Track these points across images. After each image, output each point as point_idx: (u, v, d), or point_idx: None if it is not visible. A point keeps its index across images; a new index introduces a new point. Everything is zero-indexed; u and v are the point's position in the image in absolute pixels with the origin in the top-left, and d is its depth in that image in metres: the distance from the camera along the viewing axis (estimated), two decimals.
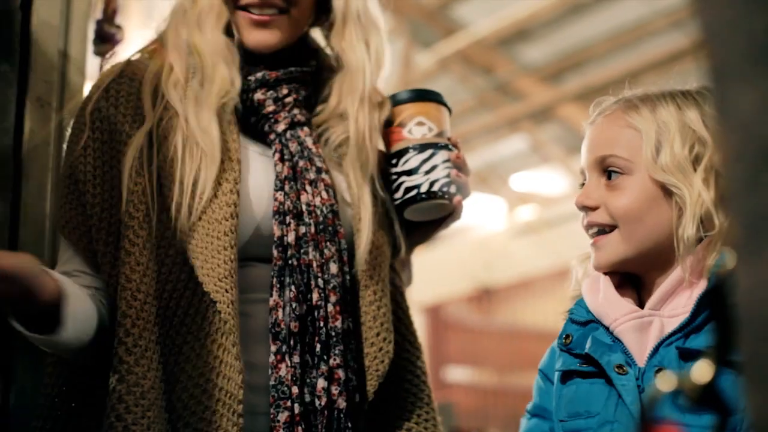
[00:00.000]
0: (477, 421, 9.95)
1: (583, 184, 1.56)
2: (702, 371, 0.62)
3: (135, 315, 1.45)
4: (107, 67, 1.84)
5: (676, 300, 1.44)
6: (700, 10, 0.56)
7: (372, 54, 1.71)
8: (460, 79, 9.91)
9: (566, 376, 1.51)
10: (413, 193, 1.61)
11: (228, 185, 1.52)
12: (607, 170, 1.49)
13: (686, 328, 1.39)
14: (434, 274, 10.02)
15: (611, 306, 1.49)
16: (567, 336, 1.53)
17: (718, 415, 0.61)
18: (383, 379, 1.56)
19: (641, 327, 1.45)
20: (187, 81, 1.60)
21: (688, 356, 1.37)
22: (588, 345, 1.48)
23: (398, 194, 1.63)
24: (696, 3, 0.57)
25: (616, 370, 1.42)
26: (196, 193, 1.51)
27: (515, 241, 9.57)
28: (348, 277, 1.58)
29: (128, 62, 1.67)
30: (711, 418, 0.63)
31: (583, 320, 1.53)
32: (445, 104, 1.68)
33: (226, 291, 1.46)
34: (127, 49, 1.85)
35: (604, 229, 1.50)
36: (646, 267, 1.50)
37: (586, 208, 1.51)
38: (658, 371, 1.38)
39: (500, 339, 10.56)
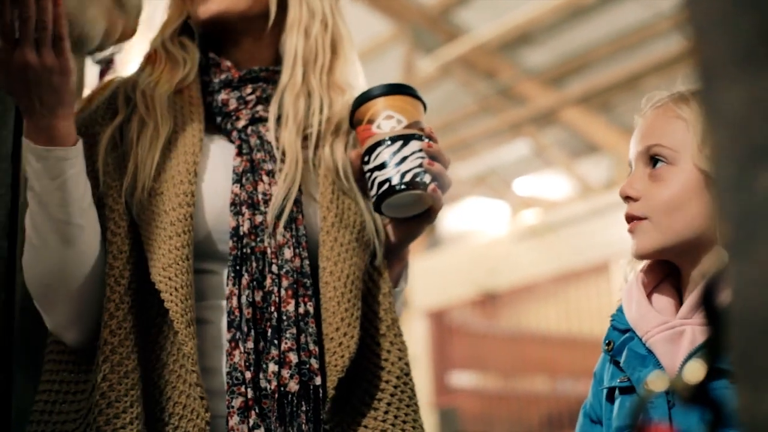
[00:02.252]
0: (482, 426, 9.93)
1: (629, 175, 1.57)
2: (694, 371, 0.62)
3: (118, 299, 1.50)
4: (108, 75, 1.89)
5: None
6: (689, 9, 0.56)
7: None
8: (463, 83, 9.91)
9: (610, 392, 1.52)
10: (385, 186, 1.59)
11: (180, 176, 1.58)
12: (652, 160, 1.50)
13: None
14: (437, 279, 10.01)
15: (643, 317, 1.49)
16: (609, 342, 1.54)
17: (710, 414, 0.61)
18: (343, 374, 1.55)
19: (672, 338, 1.44)
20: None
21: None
22: (623, 358, 1.49)
23: (372, 191, 1.62)
24: (686, 2, 0.57)
25: (645, 387, 1.41)
26: (144, 170, 1.59)
27: (519, 245, 9.55)
28: (307, 263, 1.60)
29: (115, 78, 1.79)
30: (702, 418, 0.62)
31: (622, 328, 1.54)
32: (414, 95, 1.66)
33: (170, 279, 1.50)
34: (126, 58, 1.89)
35: (641, 218, 1.50)
36: (685, 258, 1.50)
37: (629, 199, 1.52)
38: None
39: (504, 343, 10.54)
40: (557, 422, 9.77)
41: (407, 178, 1.58)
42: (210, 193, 1.61)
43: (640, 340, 1.48)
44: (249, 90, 1.71)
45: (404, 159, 1.59)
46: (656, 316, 1.48)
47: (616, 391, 1.51)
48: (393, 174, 1.59)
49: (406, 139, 1.60)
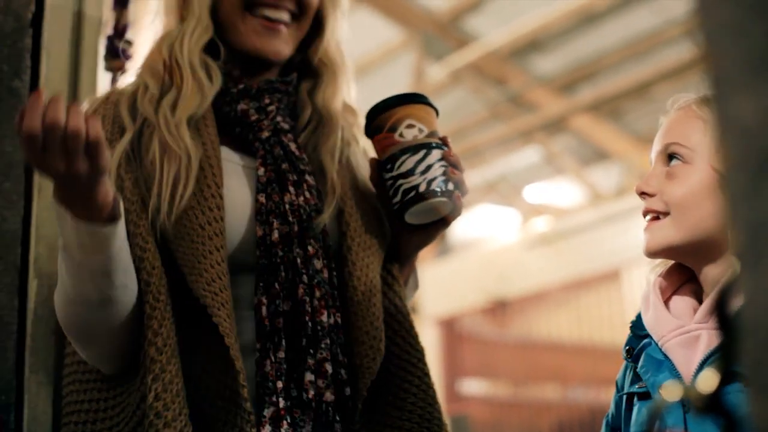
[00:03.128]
0: None
1: None
2: (707, 380, 0.62)
3: (160, 316, 1.46)
4: (120, 82, 1.88)
5: None
6: (701, 17, 0.56)
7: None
8: (473, 90, 9.91)
9: (629, 399, 1.53)
10: (412, 194, 1.60)
11: (209, 190, 1.55)
12: (670, 157, 1.52)
13: None
14: (448, 287, 10.01)
15: (659, 322, 1.50)
16: (629, 348, 1.55)
17: (724, 423, 0.61)
18: (375, 376, 1.56)
19: (688, 342, 1.44)
20: (162, 96, 1.64)
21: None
22: (640, 363, 1.50)
23: (396, 198, 1.63)
24: (697, 11, 0.57)
25: (660, 391, 1.41)
26: (176, 194, 1.53)
27: (529, 252, 9.54)
28: (335, 274, 1.60)
29: (113, 89, 1.73)
30: (717, 425, 0.62)
31: (641, 334, 1.54)
32: (431, 105, 1.68)
33: (215, 294, 1.47)
34: (137, 64, 1.87)
35: (657, 216, 1.51)
36: (697, 258, 1.50)
37: (645, 194, 1.53)
38: None
39: (515, 351, 10.52)
40: (568, 430, 9.75)
41: (433, 186, 1.60)
42: (232, 204, 1.58)
43: (657, 344, 1.49)
44: (267, 100, 1.68)
45: (429, 167, 1.60)
46: (672, 321, 1.48)
47: (635, 398, 1.52)
48: (419, 182, 1.60)
49: (429, 147, 1.62)
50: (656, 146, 1.56)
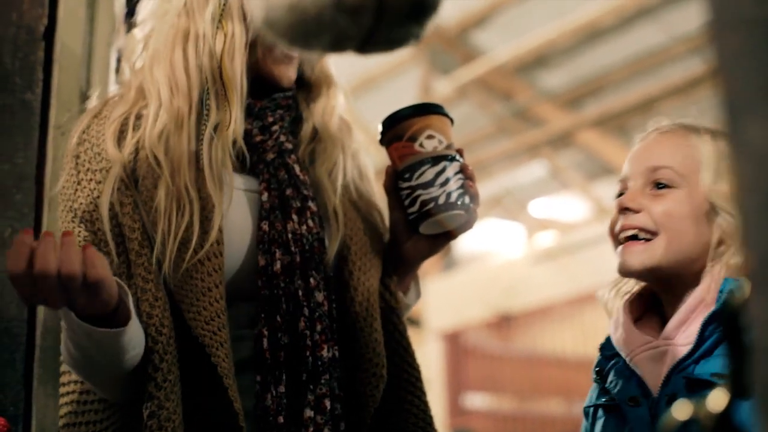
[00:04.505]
0: None
1: (621, 194, 1.58)
2: (717, 400, 0.62)
3: (162, 350, 1.42)
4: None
5: (692, 327, 1.44)
6: (714, 41, 0.57)
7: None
8: (479, 105, 9.92)
9: (595, 411, 1.54)
10: (431, 206, 1.60)
11: (210, 223, 1.49)
12: (655, 181, 1.52)
13: (694, 354, 1.40)
14: (453, 301, 9.99)
15: (628, 338, 1.52)
16: (598, 370, 1.57)
17: None
18: (378, 404, 1.55)
19: (656, 357, 1.46)
20: (164, 128, 1.53)
21: (695, 384, 1.38)
22: (609, 379, 1.51)
23: (413, 208, 1.63)
24: (710, 34, 0.58)
25: (629, 403, 1.44)
26: (185, 253, 1.46)
27: (534, 267, 9.53)
28: (334, 306, 1.58)
29: (106, 102, 1.64)
30: None
31: (609, 354, 1.56)
32: (448, 116, 1.67)
33: (214, 333, 1.44)
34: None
35: (637, 236, 1.51)
36: (672, 281, 1.51)
37: (629, 210, 1.53)
38: (669, 400, 1.39)
39: (520, 365, 10.50)
40: None
41: (452, 198, 1.60)
42: (233, 231, 1.54)
43: (626, 362, 1.51)
44: (271, 119, 1.63)
45: (448, 180, 1.61)
46: (641, 337, 1.50)
47: (599, 411, 1.53)
48: (439, 194, 1.60)
49: (448, 159, 1.62)
50: (636, 164, 1.56)
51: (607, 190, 10.64)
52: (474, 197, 1.64)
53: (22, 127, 1.75)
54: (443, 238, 1.69)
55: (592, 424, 1.54)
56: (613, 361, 1.54)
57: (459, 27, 9.13)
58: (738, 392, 0.61)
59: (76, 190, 1.52)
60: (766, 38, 0.54)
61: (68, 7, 1.88)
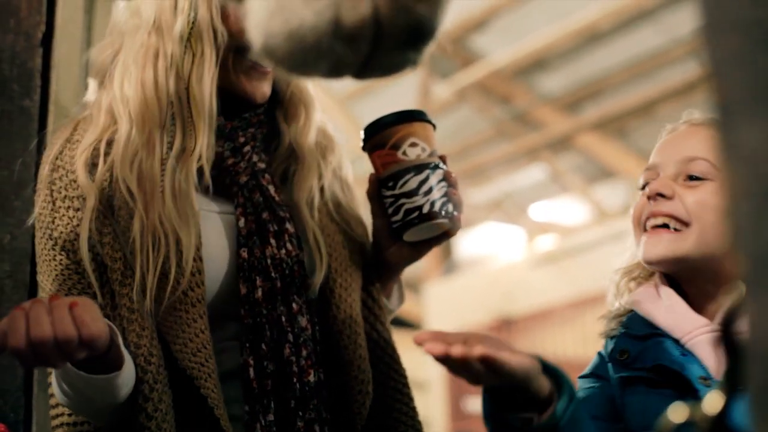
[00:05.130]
0: None
1: (647, 180, 1.56)
2: (713, 402, 0.62)
3: (152, 379, 1.41)
4: None
5: None
6: (707, 44, 0.57)
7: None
8: (479, 109, 9.93)
9: (628, 382, 1.49)
10: (415, 214, 1.60)
11: (188, 253, 1.46)
12: (689, 172, 1.50)
13: None
14: (453, 304, 10.00)
15: (683, 319, 1.47)
16: (623, 351, 1.52)
17: None
18: (365, 421, 1.55)
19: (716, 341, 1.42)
20: (136, 153, 1.49)
21: None
22: (657, 356, 1.46)
23: (397, 217, 1.62)
24: (703, 37, 0.58)
25: (701, 381, 1.39)
26: (165, 289, 1.45)
27: (535, 270, 9.53)
28: (317, 328, 1.57)
29: (76, 125, 1.58)
30: None
31: (641, 334, 1.51)
32: (430, 122, 1.66)
33: (202, 365, 1.43)
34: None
35: (667, 225, 1.48)
36: (697, 274, 1.49)
37: (661, 196, 1.50)
38: None
39: None
40: None
41: (436, 207, 1.60)
42: (211, 259, 1.52)
43: (676, 342, 1.46)
44: (242, 139, 1.58)
45: (432, 188, 1.60)
46: (699, 318, 1.46)
47: (625, 385, 1.49)
48: (422, 202, 1.60)
49: (431, 167, 1.62)
50: (670, 154, 1.54)
51: (607, 193, 10.66)
52: (457, 205, 1.63)
53: (21, 133, 1.75)
54: (426, 245, 1.68)
55: (620, 397, 1.49)
56: (650, 341, 1.49)
57: (457, 31, 9.14)
58: (733, 395, 0.61)
59: (54, 218, 1.49)
60: (760, 40, 0.54)
61: (66, 15, 1.89)
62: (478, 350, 1.17)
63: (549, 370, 1.27)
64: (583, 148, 9.96)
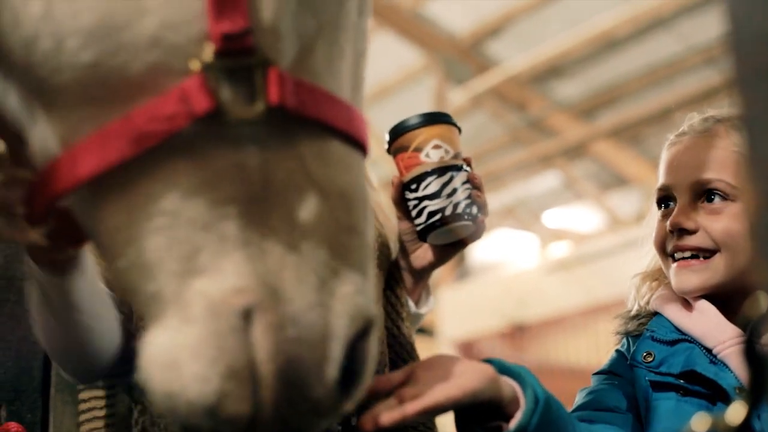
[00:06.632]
0: None
1: (663, 202, 1.53)
2: (735, 412, 0.63)
3: None
4: None
5: None
6: (733, 56, 0.57)
7: None
8: (494, 115, 9.92)
9: (657, 387, 1.48)
10: (437, 217, 1.60)
11: None
12: (707, 193, 1.47)
13: None
14: (466, 310, 9.98)
15: (717, 328, 1.46)
16: (648, 353, 1.50)
17: None
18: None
19: None
20: None
21: None
22: (687, 362, 1.45)
23: (421, 219, 1.62)
24: (728, 49, 0.58)
25: (737, 392, 1.38)
26: None
27: (548, 277, 9.50)
28: None
29: None
30: None
31: (669, 339, 1.50)
32: (455, 124, 1.67)
33: None
34: None
35: (697, 255, 1.47)
36: (733, 293, 1.47)
37: (684, 231, 1.48)
38: None
39: None
40: None
41: (459, 209, 1.60)
42: None
43: (707, 351, 1.45)
44: None
45: (455, 190, 1.60)
46: (732, 328, 1.45)
47: (654, 392, 1.47)
48: (445, 205, 1.60)
49: (455, 169, 1.62)
50: (683, 176, 1.51)
51: (621, 201, 10.63)
52: (482, 207, 1.64)
53: None
54: (452, 248, 1.68)
55: (646, 400, 1.47)
56: (677, 347, 1.48)
57: (473, 37, 9.14)
58: (756, 406, 0.61)
59: None
60: None
61: None
62: (411, 409, 1.12)
63: (510, 372, 1.23)
64: (597, 155, 9.94)
